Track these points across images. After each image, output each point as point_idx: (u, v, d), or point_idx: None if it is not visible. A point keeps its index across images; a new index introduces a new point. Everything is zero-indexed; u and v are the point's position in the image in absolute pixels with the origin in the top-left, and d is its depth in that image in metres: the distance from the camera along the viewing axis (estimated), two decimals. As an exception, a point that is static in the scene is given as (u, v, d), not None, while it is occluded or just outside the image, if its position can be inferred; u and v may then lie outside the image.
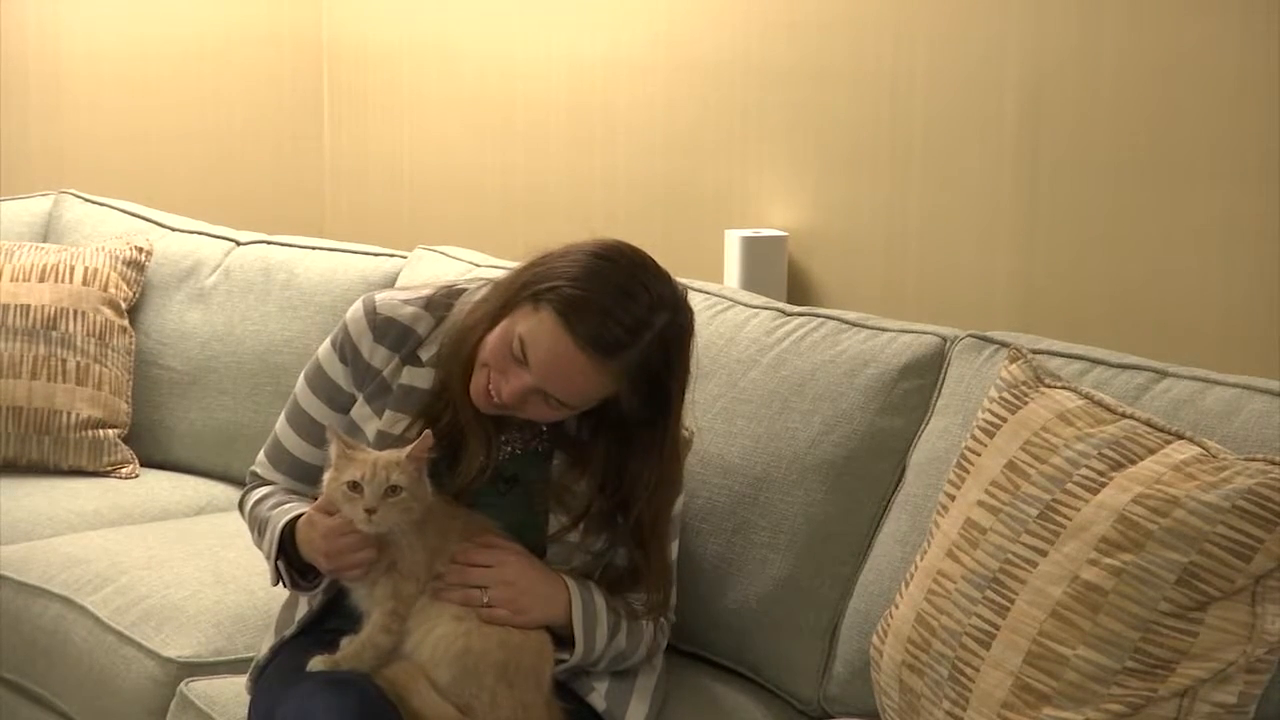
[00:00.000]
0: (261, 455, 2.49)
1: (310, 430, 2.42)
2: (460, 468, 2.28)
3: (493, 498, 2.32)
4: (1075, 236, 2.96)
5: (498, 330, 2.23)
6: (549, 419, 2.27)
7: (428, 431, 2.20)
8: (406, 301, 2.39)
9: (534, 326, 2.19)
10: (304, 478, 2.42)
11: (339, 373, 2.40)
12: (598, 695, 2.29)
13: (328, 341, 2.42)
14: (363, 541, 2.20)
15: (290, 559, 2.32)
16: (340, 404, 2.38)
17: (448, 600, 2.22)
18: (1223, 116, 2.73)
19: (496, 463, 2.33)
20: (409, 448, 2.19)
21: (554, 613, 2.26)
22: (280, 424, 2.46)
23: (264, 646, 2.41)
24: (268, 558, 2.35)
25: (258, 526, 2.39)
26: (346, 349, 2.39)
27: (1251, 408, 2.16)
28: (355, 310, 2.40)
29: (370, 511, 2.16)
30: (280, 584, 2.37)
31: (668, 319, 2.22)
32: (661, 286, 2.24)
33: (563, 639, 2.28)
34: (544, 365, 2.18)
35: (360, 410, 2.36)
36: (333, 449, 2.23)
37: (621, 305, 2.19)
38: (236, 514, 3.25)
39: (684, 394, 2.29)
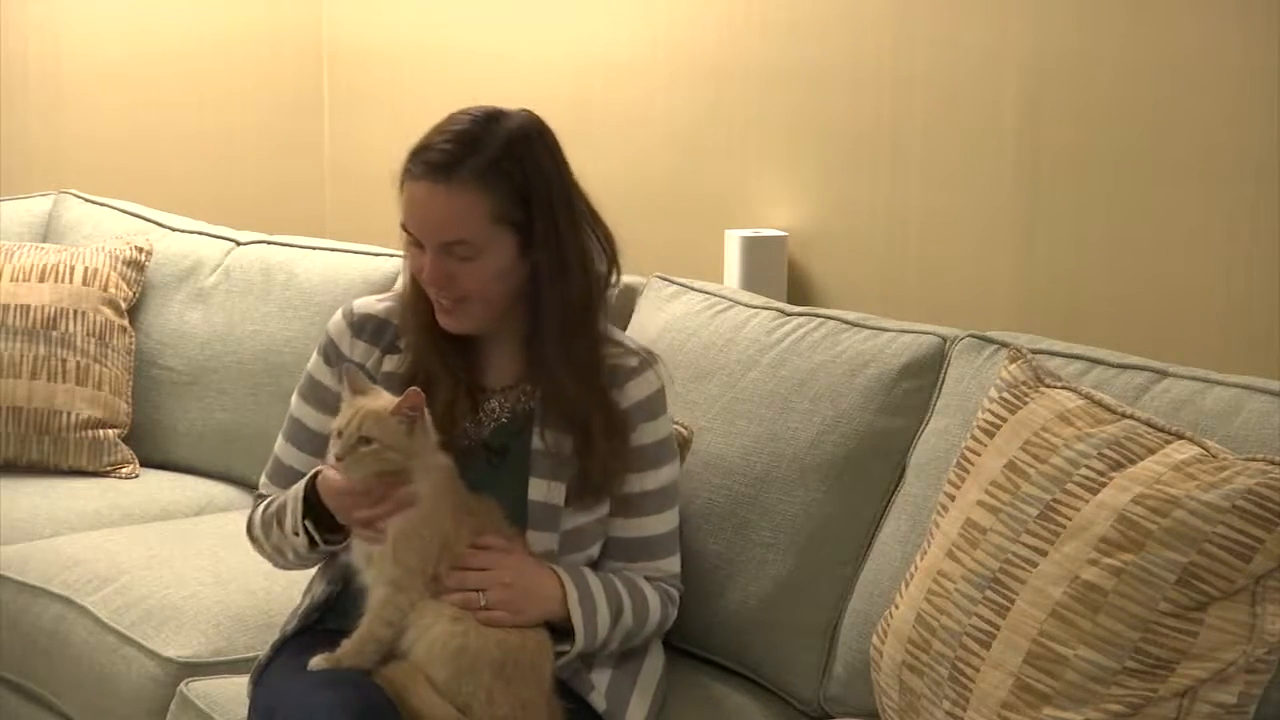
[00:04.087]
0: (263, 477, 2.52)
1: (304, 439, 2.45)
2: (436, 409, 2.28)
3: (484, 470, 2.33)
4: (1075, 236, 2.96)
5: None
6: (478, 285, 2.28)
7: (414, 388, 2.23)
8: (381, 299, 2.47)
9: (402, 202, 2.28)
10: None
11: (325, 374, 2.44)
12: (598, 695, 2.30)
13: (314, 351, 2.48)
14: (360, 502, 2.23)
15: (319, 520, 2.32)
16: (330, 406, 2.40)
17: (448, 603, 2.23)
18: (1223, 116, 2.73)
19: (485, 433, 2.35)
20: (395, 402, 2.23)
21: (552, 608, 2.27)
22: (278, 443, 2.50)
23: (269, 645, 2.42)
24: (295, 531, 2.34)
25: (274, 520, 2.40)
26: (329, 350, 2.44)
27: (1251, 408, 2.16)
28: (334, 316, 2.47)
29: (339, 459, 2.22)
30: (315, 548, 2.35)
31: (503, 126, 2.27)
32: (495, 110, 2.29)
33: (566, 631, 2.28)
34: (415, 221, 2.27)
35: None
36: (345, 390, 2.27)
37: (445, 130, 2.27)
38: (237, 514, 3.27)
39: (570, 203, 2.31)
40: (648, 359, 2.41)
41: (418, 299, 2.35)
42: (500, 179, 2.25)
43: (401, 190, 2.28)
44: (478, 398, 2.36)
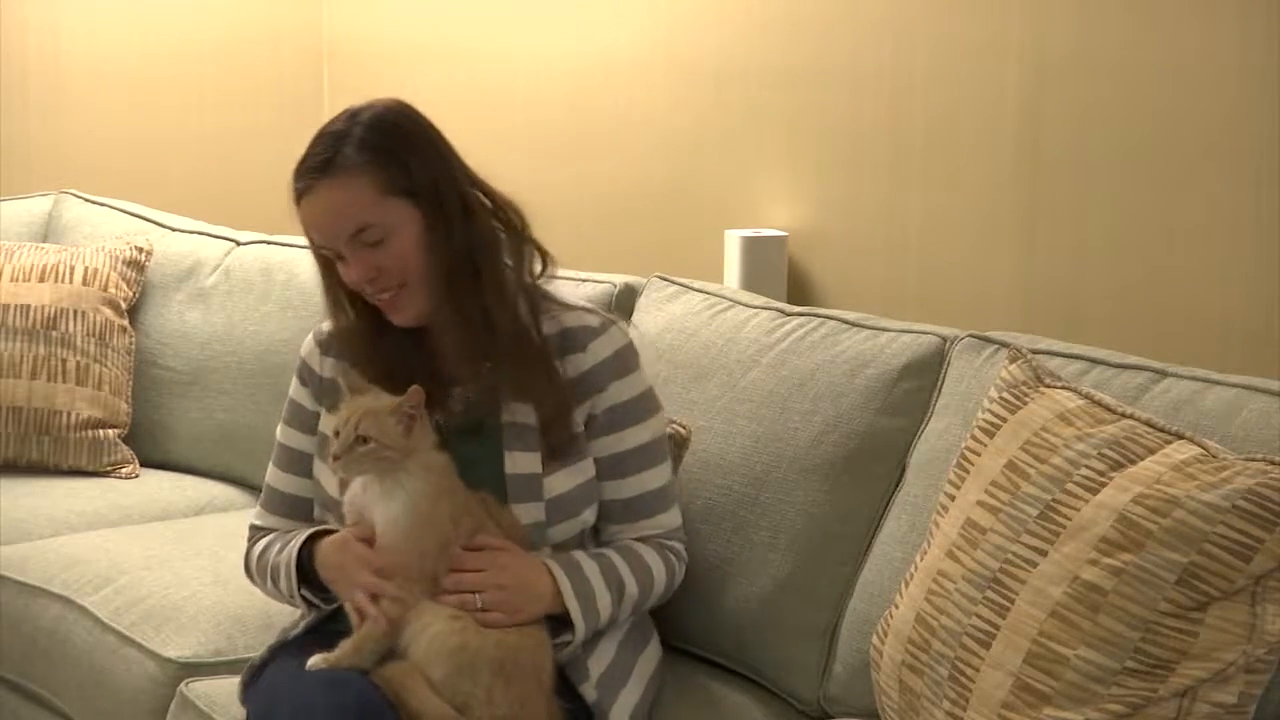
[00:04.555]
0: (257, 507, 2.55)
1: (291, 462, 2.48)
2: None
3: (463, 453, 2.33)
4: (1075, 236, 2.96)
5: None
6: (403, 265, 2.30)
7: (416, 386, 2.23)
8: None
9: (302, 225, 2.35)
10: (296, 513, 2.48)
11: (302, 395, 2.48)
12: (589, 686, 2.30)
13: (293, 377, 2.52)
14: (376, 583, 2.23)
15: (310, 579, 2.37)
16: (311, 427, 2.46)
17: (444, 604, 2.23)
18: (1223, 116, 2.73)
19: (457, 420, 2.36)
20: (396, 401, 2.23)
21: (548, 604, 2.28)
22: (269, 472, 2.53)
23: (265, 647, 2.42)
24: (291, 595, 2.39)
25: (269, 574, 2.43)
26: (303, 371, 2.49)
27: (1251, 408, 2.16)
28: (306, 339, 2.51)
29: (336, 459, 2.23)
30: (312, 610, 2.39)
31: (364, 114, 2.35)
32: (353, 107, 2.38)
33: (568, 621, 2.30)
34: (318, 229, 2.32)
35: (326, 421, 2.41)
36: (344, 389, 2.29)
37: (313, 142, 2.35)
38: (236, 514, 3.27)
39: (444, 160, 2.36)
40: (610, 318, 2.43)
41: (355, 326, 2.38)
42: (375, 154, 2.30)
43: (299, 215, 2.34)
44: (447, 389, 2.37)
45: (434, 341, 2.38)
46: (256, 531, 2.52)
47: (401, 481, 2.24)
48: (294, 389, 2.50)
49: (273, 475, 2.51)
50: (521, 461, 2.33)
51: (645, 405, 2.42)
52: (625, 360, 2.40)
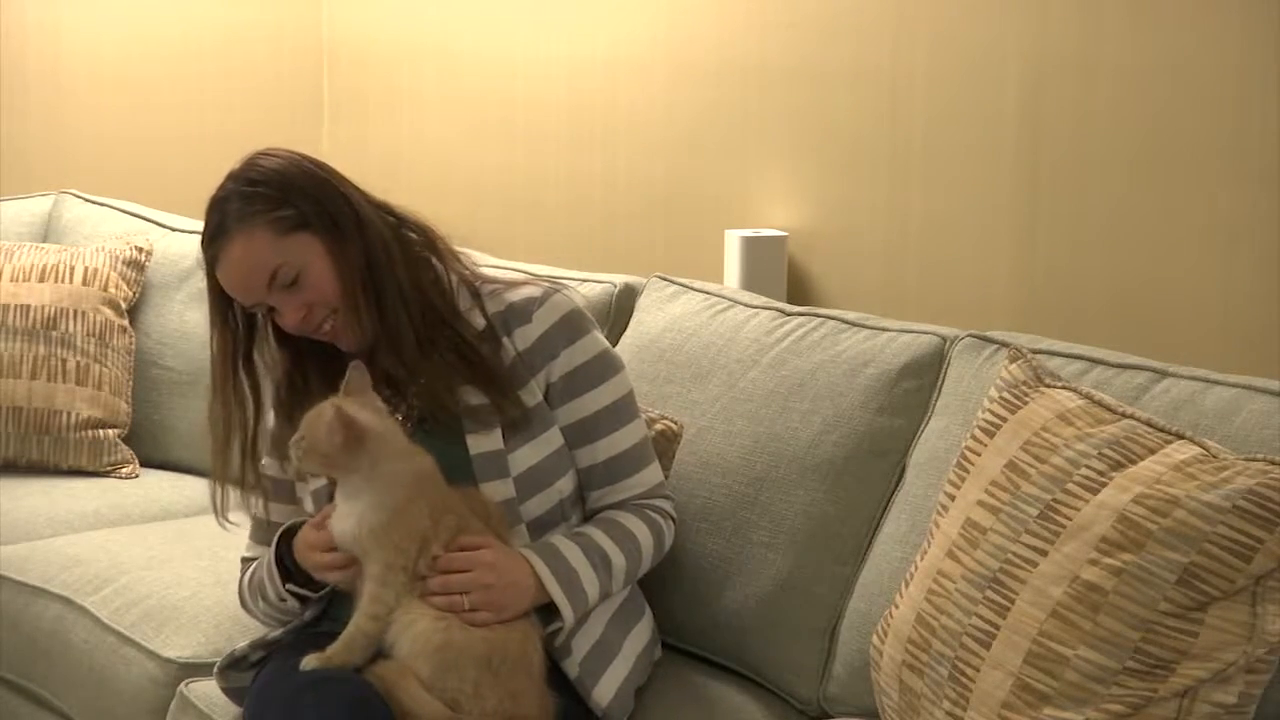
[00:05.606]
0: (247, 540, 2.55)
1: (276, 490, 2.48)
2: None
3: (427, 442, 2.33)
4: (1075, 236, 2.96)
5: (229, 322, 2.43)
6: (326, 294, 2.34)
7: (338, 409, 2.24)
8: None
9: (226, 292, 2.38)
10: None
11: (277, 424, 2.47)
12: (571, 662, 2.31)
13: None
14: (334, 562, 2.27)
15: (295, 578, 2.38)
16: (288, 455, 2.44)
17: (432, 606, 2.23)
18: (1223, 116, 2.73)
19: (416, 414, 2.38)
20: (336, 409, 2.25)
21: (533, 596, 2.29)
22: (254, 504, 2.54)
23: (248, 641, 2.42)
24: (280, 598, 2.39)
25: (260, 594, 2.44)
26: (275, 401, 2.48)
27: (1251, 408, 2.16)
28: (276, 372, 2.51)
29: (284, 456, 2.30)
30: (303, 608, 2.40)
31: (241, 172, 2.40)
32: (229, 172, 2.42)
33: (557, 609, 2.31)
34: (237, 288, 2.36)
35: None
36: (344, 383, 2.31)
37: (208, 206, 2.40)
38: (236, 514, 3.26)
39: (319, 181, 2.39)
40: (553, 287, 2.46)
41: (293, 381, 2.41)
42: (260, 201, 2.35)
43: (215, 285, 2.37)
44: (399, 388, 2.39)
45: (372, 350, 2.39)
46: (247, 564, 2.53)
47: (364, 484, 2.24)
48: (272, 419, 2.49)
49: (258, 507, 2.52)
50: (484, 441, 2.35)
51: (603, 367, 2.43)
52: (574, 325, 2.42)
